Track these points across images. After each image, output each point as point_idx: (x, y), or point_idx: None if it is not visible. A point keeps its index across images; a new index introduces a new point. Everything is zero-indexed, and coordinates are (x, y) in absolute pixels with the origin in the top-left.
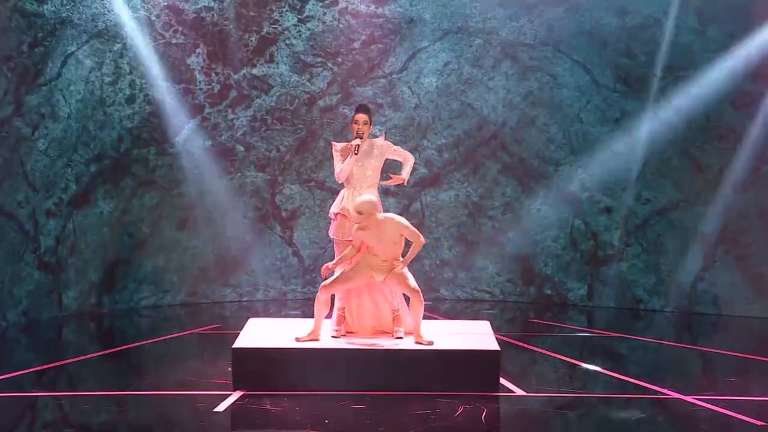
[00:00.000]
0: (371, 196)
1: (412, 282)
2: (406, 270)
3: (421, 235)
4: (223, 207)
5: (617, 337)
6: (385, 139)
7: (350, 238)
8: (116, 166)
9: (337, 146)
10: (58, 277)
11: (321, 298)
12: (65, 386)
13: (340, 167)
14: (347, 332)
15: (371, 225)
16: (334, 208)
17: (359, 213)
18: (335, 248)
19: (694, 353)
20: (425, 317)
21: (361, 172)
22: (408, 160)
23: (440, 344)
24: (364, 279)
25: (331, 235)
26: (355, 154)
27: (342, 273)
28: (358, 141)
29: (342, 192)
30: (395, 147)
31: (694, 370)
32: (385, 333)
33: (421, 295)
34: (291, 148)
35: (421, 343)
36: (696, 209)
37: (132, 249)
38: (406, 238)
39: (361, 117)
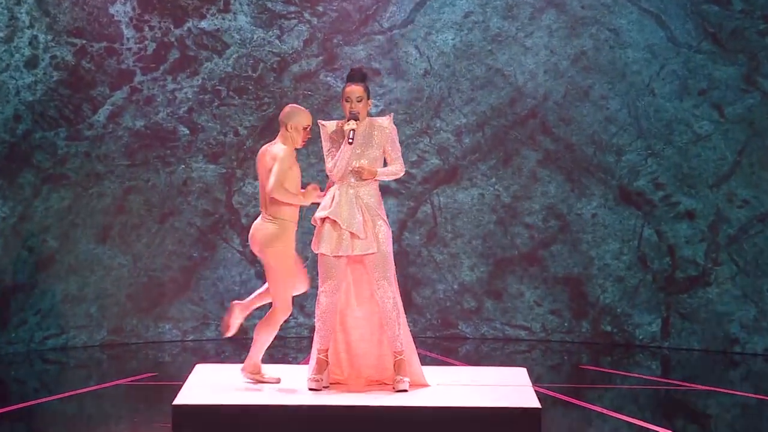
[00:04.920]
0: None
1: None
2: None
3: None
4: (159, 211)
5: (704, 390)
6: (393, 122)
7: (340, 254)
8: (12, 154)
9: (326, 126)
10: None
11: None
12: None
13: (332, 161)
14: (332, 383)
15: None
16: (319, 212)
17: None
18: (320, 268)
19: None
20: (437, 362)
21: (357, 163)
22: (395, 173)
23: (461, 400)
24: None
25: (313, 249)
26: (350, 143)
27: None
28: (352, 124)
29: (332, 190)
30: (396, 143)
31: None
32: (383, 384)
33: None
34: (254, 130)
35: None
36: None
37: (33, 269)
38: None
39: (354, 90)
